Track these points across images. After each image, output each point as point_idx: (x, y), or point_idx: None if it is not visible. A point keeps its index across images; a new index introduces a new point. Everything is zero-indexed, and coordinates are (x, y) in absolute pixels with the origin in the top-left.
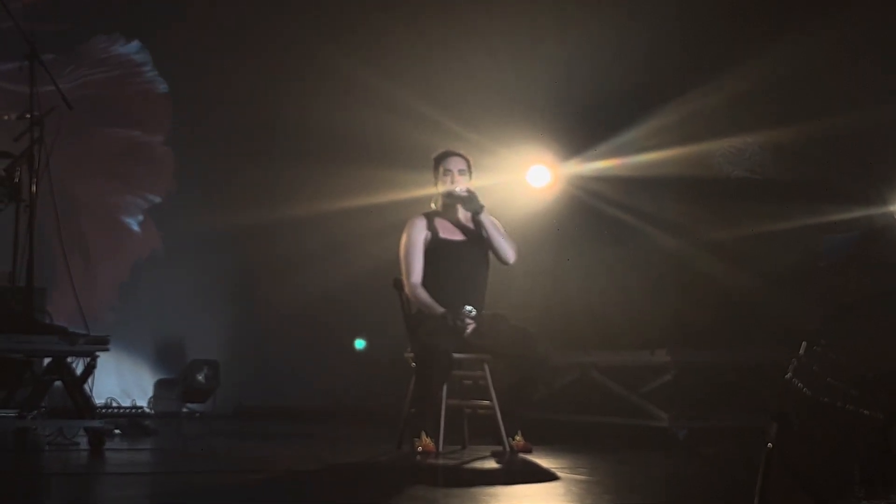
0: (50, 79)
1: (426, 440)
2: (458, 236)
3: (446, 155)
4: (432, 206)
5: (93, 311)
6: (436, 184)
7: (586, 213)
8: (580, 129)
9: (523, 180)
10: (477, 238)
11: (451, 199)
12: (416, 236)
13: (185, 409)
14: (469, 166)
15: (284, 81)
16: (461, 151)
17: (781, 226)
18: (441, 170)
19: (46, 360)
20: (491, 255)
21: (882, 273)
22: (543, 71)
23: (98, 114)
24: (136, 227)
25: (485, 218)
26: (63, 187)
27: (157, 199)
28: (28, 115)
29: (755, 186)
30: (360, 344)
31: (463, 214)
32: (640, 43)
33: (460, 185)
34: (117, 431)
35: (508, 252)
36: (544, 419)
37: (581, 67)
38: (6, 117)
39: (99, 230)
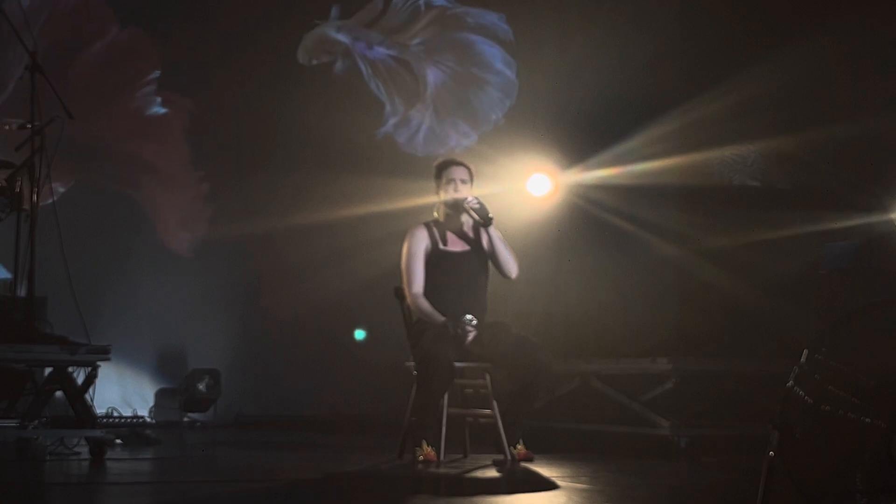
0: (51, 88)
1: (427, 449)
2: (458, 246)
3: (450, 164)
4: (435, 214)
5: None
6: (437, 192)
7: (587, 221)
8: (581, 138)
9: (524, 189)
10: (477, 247)
11: (455, 209)
12: (417, 246)
13: (186, 419)
14: (471, 175)
15: (286, 88)
16: (463, 160)
17: (782, 233)
18: (444, 179)
19: (48, 370)
20: (490, 264)
21: (882, 281)
22: (544, 79)
23: (64, 55)
24: (163, 110)
25: (493, 231)
26: (86, 132)
27: (157, 73)
28: (29, 125)
29: (756, 194)
30: (360, 334)
31: (467, 223)
32: (641, 51)
33: (470, 196)
34: (118, 441)
35: (513, 266)
36: (545, 427)
37: (582, 76)
38: (7, 127)
39: (140, 136)
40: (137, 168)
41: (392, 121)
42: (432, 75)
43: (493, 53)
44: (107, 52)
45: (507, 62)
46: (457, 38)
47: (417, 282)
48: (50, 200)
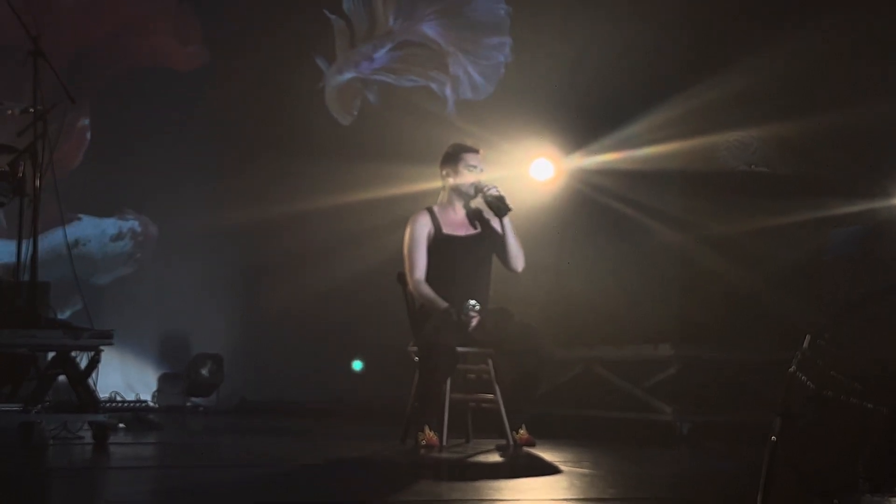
0: (53, 73)
1: (430, 434)
2: (462, 231)
3: (470, 150)
4: (440, 198)
5: None
6: (452, 175)
7: (589, 207)
8: (584, 123)
9: (526, 174)
10: (482, 234)
11: (464, 195)
12: (420, 232)
13: (188, 404)
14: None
15: (289, 75)
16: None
17: (785, 220)
18: (463, 163)
19: (51, 355)
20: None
21: (886, 267)
22: (547, 63)
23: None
24: None
25: (507, 221)
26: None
27: None
28: (32, 110)
29: (759, 180)
30: (357, 365)
31: (473, 209)
32: (645, 36)
33: (489, 184)
34: (121, 425)
35: (520, 260)
36: (548, 413)
37: (585, 60)
38: (10, 112)
39: (101, 19)
40: (119, 35)
41: (448, 90)
42: (431, 30)
43: None
44: None
45: None
46: None
47: (419, 268)
48: (54, 182)
